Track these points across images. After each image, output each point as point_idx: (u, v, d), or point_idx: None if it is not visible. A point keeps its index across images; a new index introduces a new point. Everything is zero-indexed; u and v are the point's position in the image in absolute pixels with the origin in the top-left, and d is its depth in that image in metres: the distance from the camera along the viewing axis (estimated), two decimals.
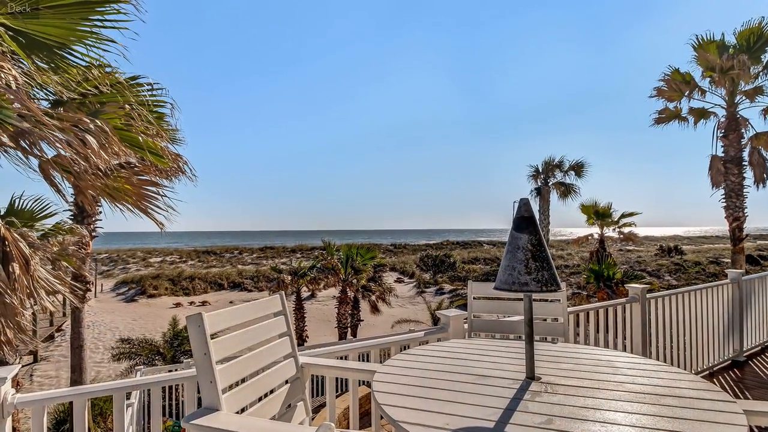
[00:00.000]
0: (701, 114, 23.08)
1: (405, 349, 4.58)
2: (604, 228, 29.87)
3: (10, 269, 7.05)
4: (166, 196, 10.18)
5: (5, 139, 6.46)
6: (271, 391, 3.81)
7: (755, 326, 9.77)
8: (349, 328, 30.62)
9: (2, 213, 8.55)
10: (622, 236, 29.83)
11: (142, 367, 19.80)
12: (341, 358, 4.92)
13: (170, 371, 15.42)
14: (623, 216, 29.58)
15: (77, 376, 13.52)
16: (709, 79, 22.25)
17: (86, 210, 12.41)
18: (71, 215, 12.63)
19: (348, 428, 7.63)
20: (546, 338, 5.53)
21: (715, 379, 8.48)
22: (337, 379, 4.95)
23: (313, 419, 6.03)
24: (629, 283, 11.19)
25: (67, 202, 9.16)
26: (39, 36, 6.60)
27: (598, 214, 29.69)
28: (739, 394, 7.92)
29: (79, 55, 7.08)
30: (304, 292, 37.14)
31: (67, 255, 9.54)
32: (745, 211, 22.48)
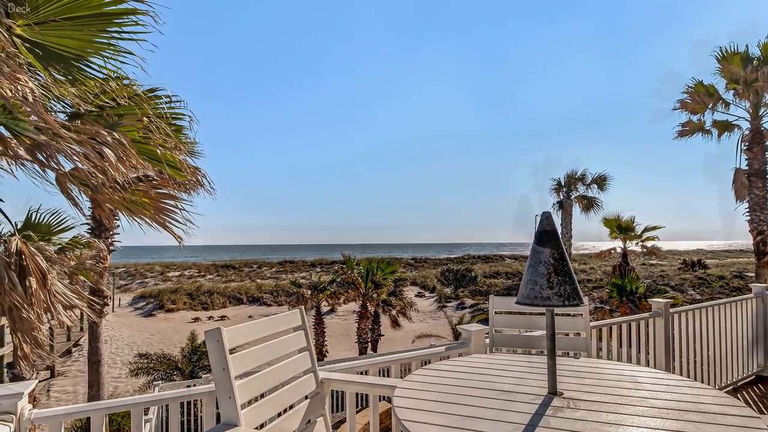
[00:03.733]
0: (725, 127, 23.01)
1: (426, 364, 4.57)
2: (627, 242, 29.79)
3: (27, 283, 7.08)
4: (184, 210, 10.18)
5: (22, 152, 6.48)
6: (291, 407, 3.81)
7: None
8: (369, 343, 30.64)
9: (19, 227, 8.59)
10: (645, 250, 29.75)
11: (160, 382, 19.84)
12: (361, 373, 4.92)
13: (188, 386, 15.47)
14: (646, 230, 29.51)
15: (95, 391, 13.58)
16: (733, 91, 22.19)
17: (104, 224, 12.48)
18: (89, 229, 12.71)
19: None
20: (568, 353, 5.51)
21: (739, 395, 8.43)
22: (357, 394, 4.94)
23: None
24: (652, 298, 11.15)
25: (84, 215, 9.19)
26: (56, 48, 6.64)
27: (621, 227, 29.63)
28: (764, 409, 7.87)
29: (96, 67, 7.10)
30: (324, 307, 37.23)
31: (84, 269, 9.57)
32: None
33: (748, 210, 22.66)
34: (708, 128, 23.43)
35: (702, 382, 8.08)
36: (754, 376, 9.17)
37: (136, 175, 9.13)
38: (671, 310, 7.76)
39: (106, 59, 7.03)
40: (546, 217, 3.39)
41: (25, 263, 7.17)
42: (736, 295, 12.28)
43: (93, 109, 7.65)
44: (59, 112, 8.02)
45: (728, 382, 8.62)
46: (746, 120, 22.61)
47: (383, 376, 5.07)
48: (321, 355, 30.05)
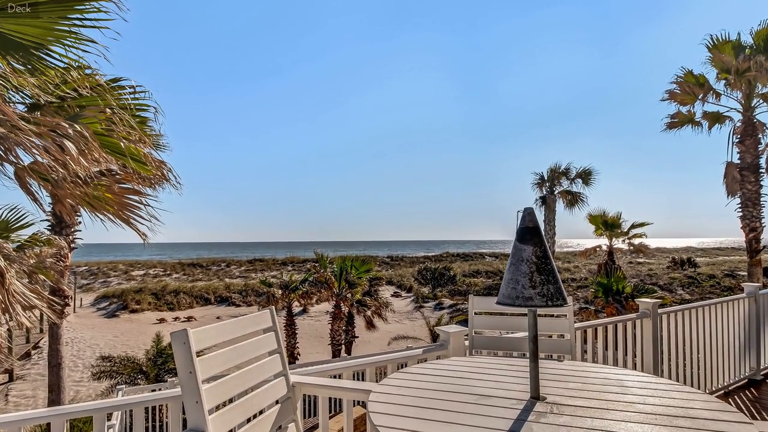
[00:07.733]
0: (716, 118, 23.02)
1: (402, 367, 4.57)
2: (613, 239, 29.89)
3: None
4: (149, 206, 10.16)
5: None
6: (261, 412, 3.80)
7: None
8: (343, 345, 30.59)
9: None
10: (632, 248, 29.85)
11: (123, 386, 19.77)
12: (335, 377, 4.91)
13: (153, 391, 15.40)
14: (633, 226, 29.59)
15: (55, 395, 13.50)
16: (724, 81, 22.20)
17: (65, 220, 12.40)
18: (49, 225, 12.62)
19: None
20: (552, 356, 5.53)
21: (730, 399, 8.47)
22: (330, 399, 4.95)
23: None
24: (640, 298, 11.21)
25: (44, 211, 9.16)
26: (14, 36, 6.58)
27: (607, 224, 29.70)
28: (756, 414, 7.90)
29: (57, 56, 7.04)
30: (296, 307, 37.17)
31: (44, 268, 9.53)
32: (762, 221, 22.42)
33: (740, 206, 22.70)
34: (698, 120, 23.40)
35: (692, 386, 8.11)
36: (746, 380, 9.20)
37: (98, 169, 9.11)
38: (659, 310, 7.76)
39: (67, 48, 6.97)
40: (528, 213, 3.38)
41: None
42: (727, 295, 12.36)
43: (53, 99, 7.61)
44: (18, 103, 7.97)
45: (719, 387, 8.65)
46: (738, 111, 22.67)
47: (358, 379, 5.06)
48: (292, 357, 29.98)
